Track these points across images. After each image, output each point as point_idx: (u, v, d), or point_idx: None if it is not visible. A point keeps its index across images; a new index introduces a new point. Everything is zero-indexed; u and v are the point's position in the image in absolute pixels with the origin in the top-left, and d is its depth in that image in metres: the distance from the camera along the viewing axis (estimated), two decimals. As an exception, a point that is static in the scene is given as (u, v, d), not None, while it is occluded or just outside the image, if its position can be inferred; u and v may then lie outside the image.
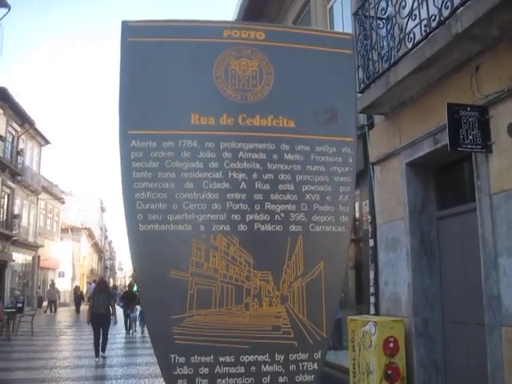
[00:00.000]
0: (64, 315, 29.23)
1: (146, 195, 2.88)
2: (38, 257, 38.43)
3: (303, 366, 2.88)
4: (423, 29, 6.14)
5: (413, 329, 6.90)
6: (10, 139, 31.91)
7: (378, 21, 7.34)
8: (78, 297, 36.27)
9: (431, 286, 6.99)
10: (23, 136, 34.47)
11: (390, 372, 6.83)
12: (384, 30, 7.29)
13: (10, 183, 31.28)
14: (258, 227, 2.93)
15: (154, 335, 2.85)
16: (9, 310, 20.25)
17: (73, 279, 48.18)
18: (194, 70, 3.02)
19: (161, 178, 2.90)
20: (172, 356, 2.78)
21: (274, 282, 2.91)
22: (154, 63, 3.01)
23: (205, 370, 2.79)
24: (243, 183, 2.95)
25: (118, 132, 2.93)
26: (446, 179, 7.16)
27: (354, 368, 7.39)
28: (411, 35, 6.38)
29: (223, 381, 2.80)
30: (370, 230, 8.14)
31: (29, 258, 37.05)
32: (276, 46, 3.12)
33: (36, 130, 36.34)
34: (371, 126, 8.25)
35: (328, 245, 3.00)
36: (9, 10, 26.94)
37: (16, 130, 32.88)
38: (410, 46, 6.41)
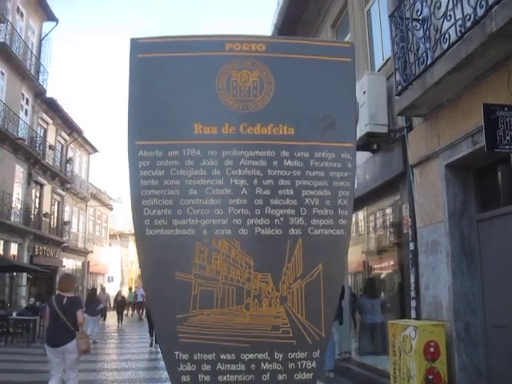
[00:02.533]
0: (113, 320, 29.70)
1: (152, 202, 3.08)
2: (88, 262, 39.38)
3: (302, 365, 2.99)
4: (458, 29, 6.07)
5: (454, 333, 6.81)
6: (60, 148, 33.01)
7: (414, 22, 7.31)
8: (119, 303, 31.35)
9: (472, 289, 6.88)
10: (72, 145, 35.55)
11: (430, 377, 6.75)
12: (421, 32, 7.26)
13: (60, 191, 32.28)
14: (259, 231, 3.06)
15: (159, 333, 3.04)
16: None
17: (121, 284, 49.17)
18: (198, 83, 3.20)
19: (166, 185, 3.09)
20: (176, 353, 2.96)
21: (274, 283, 3.03)
22: (160, 77, 3.21)
23: (207, 367, 2.95)
24: (244, 189, 3.09)
25: (126, 143, 3.13)
26: (485, 181, 7.04)
27: (395, 373, 7.35)
28: (446, 36, 6.32)
29: (224, 377, 2.94)
30: (410, 233, 8.08)
31: (79, 263, 38.06)
32: (276, 57, 3.25)
33: (84, 139, 37.39)
34: (410, 128, 8.19)
35: (327, 247, 3.09)
36: (57, 23, 28.27)
37: (65, 139, 33.91)
38: (445, 46, 6.36)
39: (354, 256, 11.72)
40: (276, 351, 2.98)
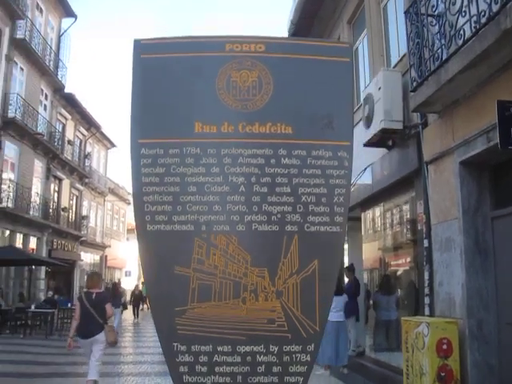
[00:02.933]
0: (129, 314, 29.94)
1: (153, 198, 3.18)
2: (105, 256, 39.92)
3: (296, 358, 3.07)
4: (473, 25, 6.04)
5: (467, 330, 6.79)
6: (78, 143, 33.61)
7: (430, 18, 7.29)
8: (136, 297, 30.60)
9: (486, 286, 6.85)
10: (90, 140, 36.09)
11: (443, 374, 6.75)
12: (436, 28, 7.23)
13: (78, 185, 32.87)
14: (256, 227, 3.15)
15: (159, 325, 3.15)
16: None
17: (139, 278, 49.59)
18: (198, 83, 3.29)
19: (167, 182, 3.19)
20: (175, 344, 3.07)
21: (270, 278, 3.12)
22: (162, 77, 3.31)
23: (204, 358, 3.06)
24: (242, 186, 3.18)
25: (129, 141, 3.24)
26: (500, 178, 7.00)
27: (408, 369, 7.37)
28: (461, 32, 6.30)
29: (221, 369, 3.04)
30: (424, 230, 8.07)
31: (96, 257, 38.65)
32: (275, 57, 3.33)
33: (102, 134, 37.92)
34: (425, 124, 8.16)
35: (322, 244, 3.16)
36: (75, 19, 28.67)
37: (83, 134, 34.44)
38: (460, 43, 6.34)
39: (371, 252, 11.73)
40: (271, 344, 3.07)
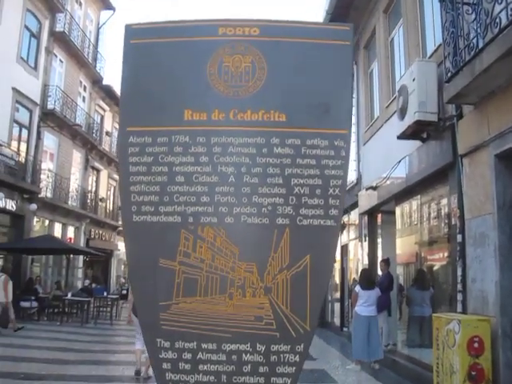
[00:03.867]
0: None
1: (140, 188, 3.06)
2: None
3: (284, 358, 2.90)
4: (509, 13, 5.75)
5: (500, 329, 6.53)
6: (116, 134, 33.50)
7: (466, 6, 6.98)
8: None
9: (520, 284, 6.55)
10: None
11: (473, 373, 6.50)
12: (472, 16, 6.91)
13: (115, 176, 32.94)
14: (245, 220, 3.00)
15: (143, 320, 3.04)
16: (113, 297, 21.79)
17: None
18: (189, 68, 3.15)
19: (154, 171, 3.07)
20: (158, 340, 2.95)
21: (259, 273, 2.96)
22: (152, 63, 3.18)
23: (188, 356, 2.92)
24: (232, 177, 3.03)
25: (118, 130, 3.14)
26: (537, 172, 6.67)
27: (438, 367, 7.14)
28: (497, 20, 5.99)
29: (205, 367, 2.91)
30: (458, 224, 7.78)
31: None
32: (270, 40, 3.15)
33: None
34: (460, 116, 7.86)
35: (316, 238, 2.98)
36: (114, 11, 28.93)
37: None
38: (495, 31, 6.03)
39: (404, 247, 11.46)
40: (258, 343, 2.91)
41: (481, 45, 6.38)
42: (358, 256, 15.15)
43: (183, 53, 3.17)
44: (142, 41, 3.21)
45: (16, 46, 19.55)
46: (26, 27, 20.43)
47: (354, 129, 14.99)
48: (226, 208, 3.01)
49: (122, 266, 36.44)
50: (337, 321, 17.45)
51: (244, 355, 2.91)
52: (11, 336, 13.56)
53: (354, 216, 15.62)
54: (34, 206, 20.48)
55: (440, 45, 8.48)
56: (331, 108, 3.07)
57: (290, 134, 3.05)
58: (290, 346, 2.91)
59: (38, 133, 21.63)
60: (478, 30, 6.58)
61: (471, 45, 6.66)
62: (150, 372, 7.82)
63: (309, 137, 3.05)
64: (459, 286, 7.73)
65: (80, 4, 26.69)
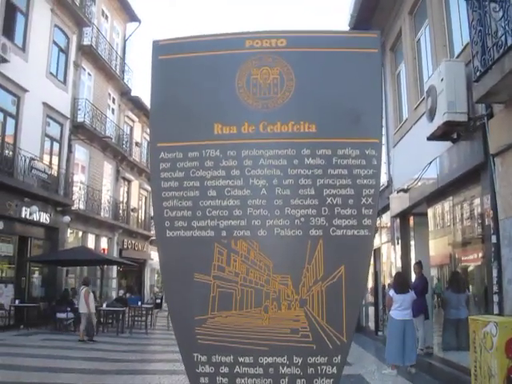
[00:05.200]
0: None
1: (172, 203, 3.09)
2: None
3: (322, 370, 2.89)
4: (539, 9, 5.65)
5: (537, 332, 6.36)
6: (145, 145, 33.73)
7: (493, 4, 6.87)
8: None
9: (557, 286, 6.40)
10: None
11: (513, 376, 6.36)
12: (499, 14, 6.80)
13: (146, 186, 33.06)
14: (278, 232, 2.99)
15: (178, 334, 3.05)
16: (147, 306, 21.91)
17: None
18: (217, 82, 3.17)
19: (186, 186, 3.09)
20: (195, 355, 2.96)
21: (293, 285, 2.95)
22: (181, 78, 3.20)
23: (225, 369, 2.93)
24: (263, 189, 3.03)
25: (149, 145, 3.17)
26: None
27: (476, 370, 6.98)
28: (526, 17, 5.90)
29: (242, 380, 2.91)
30: (491, 225, 7.64)
31: None
32: (298, 51, 3.15)
33: None
34: (490, 115, 7.73)
35: (350, 249, 2.96)
36: (140, 23, 29.18)
37: None
38: (525, 29, 5.94)
39: (439, 249, 11.29)
40: (295, 355, 2.90)
41: (510, 42, 6.27)
42: (391, 259, 14.98)
43: (211, 67, 3.18)
44: (170, 56, 3.24)
45: (45, 62, 19.90)
46: (55, 42, 20.78)
47: (383, 131, 14.86)
48: (258, 221, 3.01)
49: (156, 276, 36.66)
50: (371, 325, 17.27)
51: (281, 368, 2.90)
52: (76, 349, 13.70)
53: (385, 219, 15.47)
54: (67, 218, 20.79)
55: (467, 44, 8.35)
56: (361, 117, 3.05)
57: (321, 145, 3.04)
58: (327, 357, 2.90)
59: (69, 146, 21.96)
60: (506, 27, 6.47)
61: (500, 43, 6.55)
62: None
63: (339, 146, 3.04)
64: (495, 288, 7.57)
65: (106, 17, 27.07)
